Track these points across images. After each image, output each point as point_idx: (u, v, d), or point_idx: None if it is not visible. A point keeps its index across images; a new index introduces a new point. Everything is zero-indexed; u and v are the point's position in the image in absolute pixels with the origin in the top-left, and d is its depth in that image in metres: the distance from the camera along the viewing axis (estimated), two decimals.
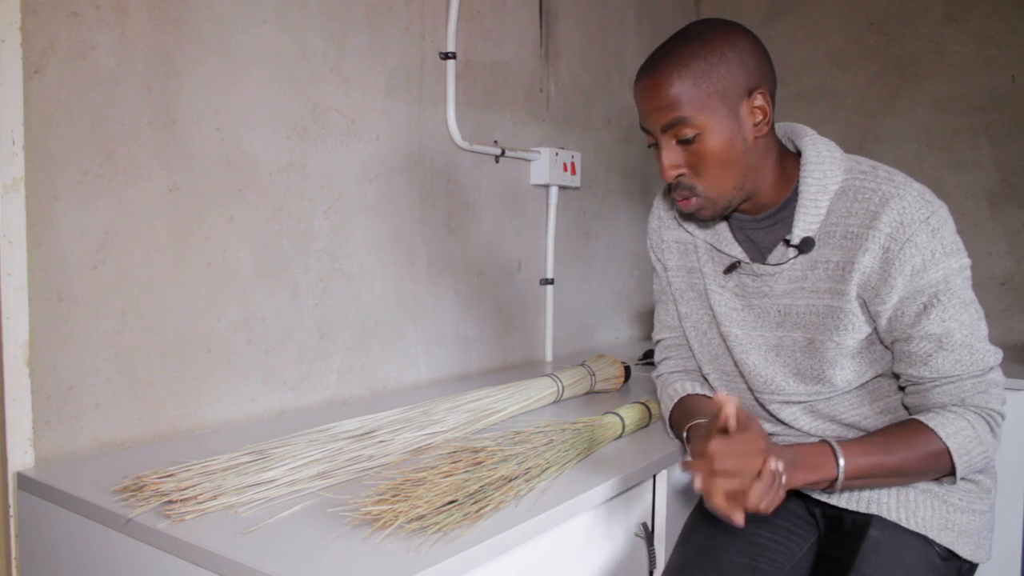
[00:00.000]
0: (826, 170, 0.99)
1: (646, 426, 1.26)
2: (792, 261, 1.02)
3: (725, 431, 0.86)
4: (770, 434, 1.13)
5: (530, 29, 1.88)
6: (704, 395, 1.14)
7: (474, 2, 1.69)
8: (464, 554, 0.76)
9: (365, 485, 0.92)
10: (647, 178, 2.39)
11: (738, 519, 0.83)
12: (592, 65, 2.11)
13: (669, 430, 1.18)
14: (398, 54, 1.51)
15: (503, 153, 1.76)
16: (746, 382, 1.11)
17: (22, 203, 1.00)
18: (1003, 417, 0.97)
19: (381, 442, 1.05)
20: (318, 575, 0.71)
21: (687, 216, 1.13)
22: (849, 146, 1.19)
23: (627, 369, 1.58)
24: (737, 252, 1.07)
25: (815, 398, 1.04)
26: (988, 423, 0.95)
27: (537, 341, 1.95)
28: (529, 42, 1.88)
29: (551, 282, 1.95)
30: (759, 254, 1.06)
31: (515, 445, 1.02)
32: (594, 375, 1.50)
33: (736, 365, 1.11)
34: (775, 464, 0.83)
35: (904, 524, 0.98)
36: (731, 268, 1.08)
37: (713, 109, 0.95)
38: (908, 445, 0.94)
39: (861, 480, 0.94)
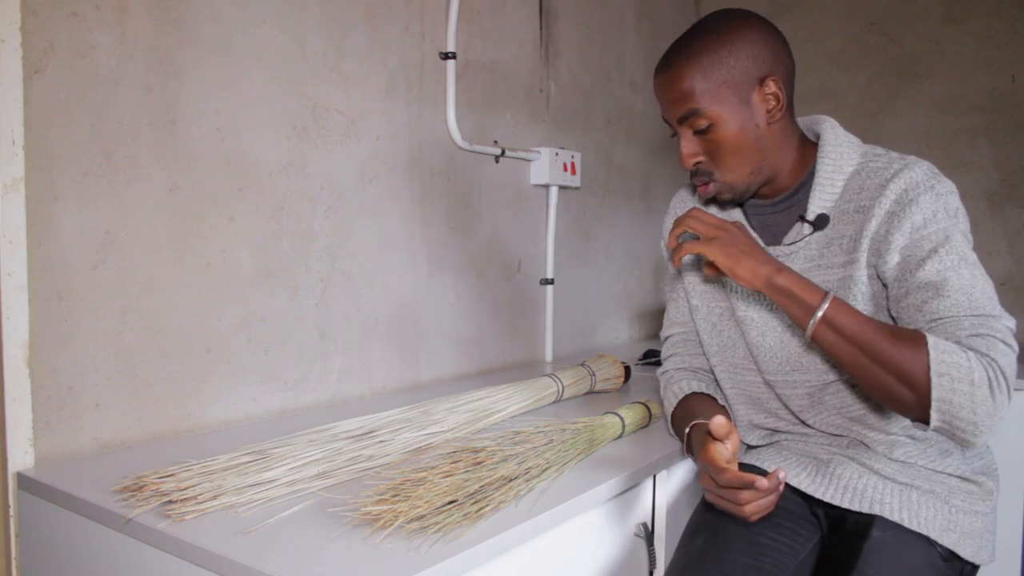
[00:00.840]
0: (843, 152, 1.04)
1: (646, 426, 1.26)
2: (807, 239, 1.04)
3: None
4: (776, 432, 1.14)
5: (530, 29, 1.88)
6: (708, 395, 1.14)
7: (474, 2, 1.69)
8: (464, 554, 0.76)
9: (365, 485, 0.92)
10: (647, 178, 2.39)
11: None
12: (592, 65, 2.11)
13: (671, 427, 1.18)
14: (398, 54, 1.51)
15: (503, 153, 1.76)
16: (757, 367, 1.11)
17: (22, 203, 1.00)
18: (1007, 381, 0.86)
19: (381, 442, 1.05)
20: (318, 575, 0.71)
21: (708, 201, 1.16)
22: None
23: (627, 369, 1.58)
24: (755, 238, 1.09)
25: (826, 379, 1.05)
26: (988, 373, 0.85)
27: (537, 341, 1.95)
28: (529, 42, 1.88)
29: (551, 282, 1.95)
30: (774, 238, 1.09)
31: (515, 445, 1.02)
32: (594, 375, 1.50)
33: (750, 350, 1.12)
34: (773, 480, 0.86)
35: (906, 525, 0.98)
36: None
37: (724, 99, 0.99)
38: (896, 335, 0.89)
39: (835, 334, 0.91)
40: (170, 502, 0.85)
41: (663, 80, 1.03)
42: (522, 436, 1.06)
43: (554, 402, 1.41)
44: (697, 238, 1.01)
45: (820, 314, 0.92)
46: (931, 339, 0.87)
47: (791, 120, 1.06)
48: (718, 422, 0.89)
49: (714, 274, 1.03)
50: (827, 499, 1.03)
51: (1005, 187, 2.11)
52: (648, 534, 1.13)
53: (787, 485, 1.08)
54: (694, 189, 1.21)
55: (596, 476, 1.01)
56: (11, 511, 1.02)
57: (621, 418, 1.19)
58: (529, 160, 1.87)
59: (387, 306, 1.52)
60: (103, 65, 1.07)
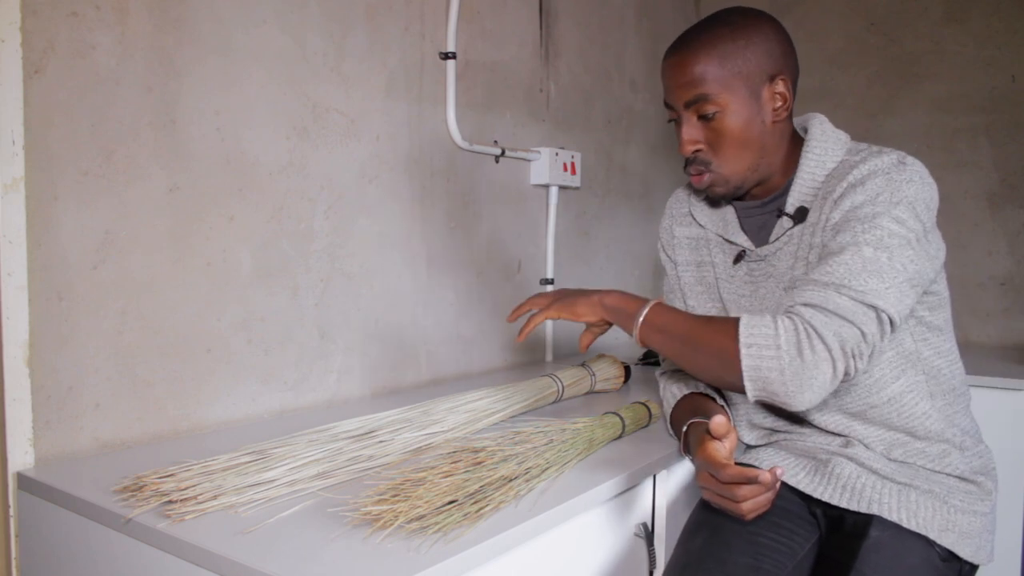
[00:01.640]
0: (828, 147, 1.04)
1: (646, 426, 1.26)
2: (790, 235, 1.05)
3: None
4: (775, 431, 1.14)
5: (530, 29, 1.88)
6: (706, 395, 1.14)
7: (474, 2, 1.69)
8: (464, 554, 0.76)
9: (365, 485, 0.92)
10: (647, 178, 2.39)
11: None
12: (592, 65, 2.11)
13: (669, 428, 1.18)
14: (398, 54, 1.51)
15: (503, 153, 1.76)
16: None
17: (22, 203, 1.00)
18: (823, 341, 0.86)
19: (381, 442, 1.05)
20: (318, 575, 0.71)
21: (698, 192, 1.17)
22: None
23: (627, 369, 1.58)
24: (743, 240, 1.11)
25: None
26: (796, 336, 0.87)
27: (537, 341, 1.95)
28: (529, 42, 1.88)
29: (551, 282, 1.95)
30: (763, 240, 1.10)
31: (515, 445, 1.02)
32: (594, 375, 1.50)
33: None
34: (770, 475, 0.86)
35: (905, 525, 0.98)
36: (739, 257, 1.11)
37: (735, 89, 1.00)
38: (710, 320, 0.96)
39: (657, 332, 1.00)
40: (170, 502, 0.85)
41: (675, 62, 1.02)
42: (522, 436, 1.07)
43: (554, 402, 1.41)
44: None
45: (641, 319, 1.00)
46: (744, 317, 0.91)
47: (791, 124, 1.07)
48: (718, 421, 0.89)
49: (596, 333, 1.15)
50: (825, 498, 1.03)
51: (1005, 187, 2.11)
52: (648, 534, 1.13)
53: (786, 485, 1.08)
54: (691, 189, 1.21)
55: (596, 476, 1.01)
56: (11, 511, 1.02)
57: (621, 418, 1.19)
58: (529, 160, 1.87)
59: (387, 306, 1.52)
60: (103, 65, 1.07)
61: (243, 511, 0.85)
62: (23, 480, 0.99)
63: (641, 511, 1.14)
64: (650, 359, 1.92)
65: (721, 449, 0.90)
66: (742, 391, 0.93)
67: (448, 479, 0.88)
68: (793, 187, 1.04)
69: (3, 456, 1.01)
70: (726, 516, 1.03)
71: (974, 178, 2.15)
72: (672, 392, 1.17)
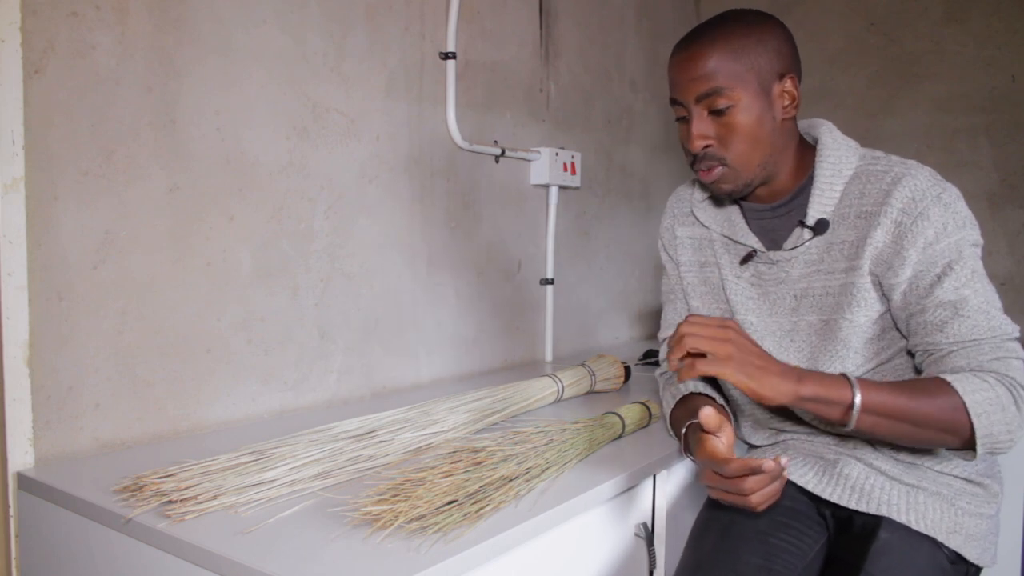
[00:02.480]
0: (841, 156, 1.04)
1: (646, 426, 1.26)
2: (808, 245, 1.05)
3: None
4: (782, 432, 1.13)
5: (530, 29, 1.88)
6: (707, 395, 1.14)
7: (474, 2, 1.69)
8: (464, 554, 0.76)
9: (365, 485, 0.92)
10: (647, 178, 2.39)
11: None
12: (592, 65, 2.11)
13: (669, 428, 1.17)
14: (398, 54, 1.51)
15: (503, 153, 1.76)
16: None
17: (22, 203, 1.00)
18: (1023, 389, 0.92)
19: (381, 442, 1.05)
20: (318, 575, 0.71)
21: (703, 189, 1.16)
22: None
23: (627, 369, 1.58)
24: (752, 241, 1.10)
25: None
26: (1011, 392, 0.90)
27: (537, 341, 1.95)
28: (529, 42, 1.88)
29: (551, 282, 1.95)
30: (773, 243, 1.09)
31: (515, 445, 1.02)
32: (594, 375, 1.50)
33: None
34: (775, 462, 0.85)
35: (913, 526, 0.98)
36: (747, 258, 1.11)
37: (748, 84, 1.00)
38: (926, 392, 0.90)
39: (876, 417, 0.90)
40: (170, 502, 0.85)
41: (687, 56, 1.01)
42: (522, 436, 1.06)
43: (554, 402, 1.41)
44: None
45: (858, 407, 0.89)
46: (954, 382, 0.90)
47: (796, 125, 1.08)
48: (706, 413, 0.88)
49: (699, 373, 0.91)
50: (834, 500, 1.03)
51: (1005, 187, 2.11)
52: (648, 534, 1.13)
53: (794, 485, 1.08)
54: (693, 184, 1.21)
55: (596, 476, 1.01)
56: (11, 511, 1.02)
57: (621, 418, 1.19)
58: (529, 160, 1.87)
59: (387, 306, 1.52)
60: (103, 65, 1.07)
61: (243, 511, 0.85)
62: (23, 480, 0.99)
63: (641, 511, 1.13)
64: (650, 359, 1.92)
65: (720, 444, 0.90)
66: (962, 452, 0.95)
67: (448, 479, 0.88)
68: (813, 198, 1.03)
69: (3, 456, 1.01)
70: (734, 515, 1.03)
71: (974, 178, 2.15)
72: (671, 393, 1.17)
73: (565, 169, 1.92)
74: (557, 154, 1.89)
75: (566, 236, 2.03)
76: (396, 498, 0.84)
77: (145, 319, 1.14)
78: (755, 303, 1.10)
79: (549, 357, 1.96)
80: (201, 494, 0.86)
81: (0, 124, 0.98)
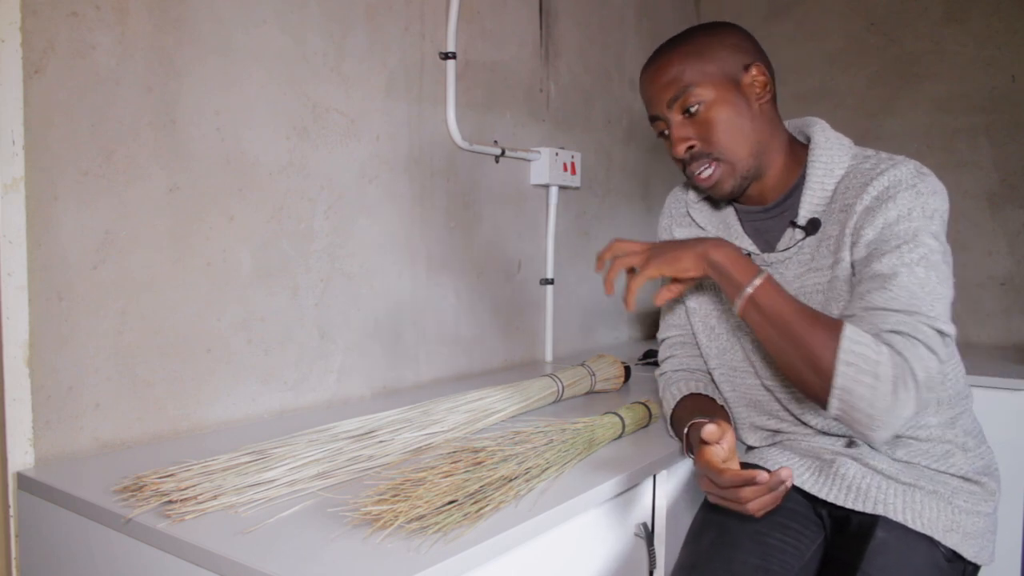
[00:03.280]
0: (833, 155, 1.04)
1: (646, 426, 1.26)
2: (800, 245, 1.05)
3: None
4: (778, 432, 1.13)
5: (530, 29, 1.88)
6: (707, 395, 1.14)
7: (474, 2, 1.69)
8: (464, 554, 0.76)
9: (365, 485, 0.92)
10: (647, 178, 2.39)
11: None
12: (592, 65, 2.11)
13: (670, 429, 1.18)
14: (398, 54, 1.51)
15: (503, 153, 1.76)
16: (755, 370, 1.11)
17: (22, 203, 1.00)
18: (916, 383, 0.85)
19: (381, 442, 1.05)
20: (318, 575, 0.71)
21: (702, 192, 1.15)
22: None
23: (627, 369, 1.58)
24: (747, 244, 1.10)
25: None
26: (894, 372, 0.84)
27: (537, 341, 1.95)
28: (529, 42, 1.88)
29: (551, 282, 1.95)
30: (768, 245, 1.10)
31: (515, 445, 1.02)
32: (594, 375, 1.50)
33: (746, 356, 1.12)
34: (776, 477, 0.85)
35: (910, 525, 0.98)
36: None
37: (714, 78, 1.02)
38: (815, 320, 0.89)
39: (760, 316, 0.92)
40: (170, 502, 0.85)
41: (653, 69, 1.06)
42: (522, 436, 1.06)
43: (554, 402, 1.41)
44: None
45: (748, 291, 0.93)
46: (849, 328, 0.87)
47: (779, 118, 1.09)
48: (709, 430, 0.88)
49: (680, 289, 1.04)
50: (831, 499, 1.03)
51: (1005, 187, 2.11)
52: (648, 534, 1.13)
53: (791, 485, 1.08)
54: (688, 187, 1.21)
55: (596, 476, 1.01)
56: (11, 511, 1.02)
57: (621, 418, 1.19)
58: (529, 160, 1.87)
59: (387, 306, 1.52)
60: (103, 65, 1.07)
61: (243, 511, 0.85)
62: (23, 480, 0.99)
63: (641, 511, 1.13)
64: (650, 359, 1.92)
65: (719, 452, 0.90)
66: (818, 402, 0.90)
67: (448, 479, 0.88)
68: (804, 197, 1.04)
69: (3, 456, 1.01)
70: (732, 516, 1.03)
71: (974, 178, 2.15)
72: (672, 393, 1.17)
73: (565, 169, 1.92)
74: (557, 154, 1.89)
75: (566, 236, 2.03)
76: (396, 498, 0.84)
77: (145, 319, 1.14)
78: None
79: (549, 357, 1.96)
80: (201, 494, 0.86)
81: (0, 124, 0.98)
